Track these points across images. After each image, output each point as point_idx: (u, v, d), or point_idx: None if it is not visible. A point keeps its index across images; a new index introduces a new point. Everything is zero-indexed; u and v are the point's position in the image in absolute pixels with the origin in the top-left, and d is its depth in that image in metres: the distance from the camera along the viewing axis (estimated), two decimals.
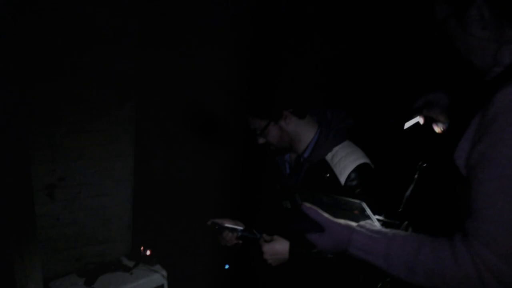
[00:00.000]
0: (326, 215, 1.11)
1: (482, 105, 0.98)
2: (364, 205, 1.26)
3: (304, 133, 1.70)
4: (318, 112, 1.74)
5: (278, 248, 1.61)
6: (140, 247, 2.33)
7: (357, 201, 1.27)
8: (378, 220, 1.22)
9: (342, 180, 1.59)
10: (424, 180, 1.20)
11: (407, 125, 1.43)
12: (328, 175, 1.62)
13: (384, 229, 1.10)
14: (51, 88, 2.17)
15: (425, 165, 1.21)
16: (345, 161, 1.62)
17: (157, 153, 2.65)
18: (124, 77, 2.42)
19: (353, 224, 1.11)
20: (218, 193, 2.61)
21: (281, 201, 1.21)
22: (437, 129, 1.38)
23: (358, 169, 1.59)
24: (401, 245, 1.03)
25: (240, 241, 1.69)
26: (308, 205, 1.12)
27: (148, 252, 2.28)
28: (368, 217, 1.21)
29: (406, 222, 1.22)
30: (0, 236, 1.47)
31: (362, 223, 1.11)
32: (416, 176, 1.25)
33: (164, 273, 2.24)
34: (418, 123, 1.43)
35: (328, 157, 1.66)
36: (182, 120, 2.70)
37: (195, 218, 2.75)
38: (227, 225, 1.65)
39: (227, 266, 2.24)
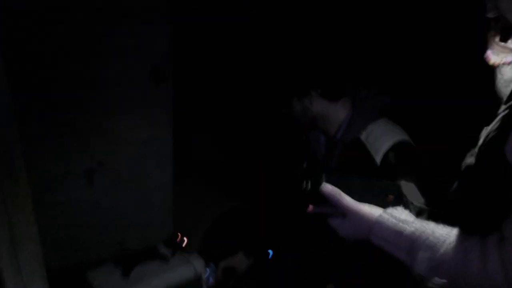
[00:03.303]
0: (348, 199, 1.02)
1: None
2: (405, 190, 1.15)
3: (335, 114, 1.57)
4: (352, 89, 1.59)
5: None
6: (178, 235, 2.27)
7: (396, 185, 1.14)
8: (416, 207, 1.12)
9: (378, 160, 1.45)
10: (472, 175, 1.03)
11: None
12: (363, 156, 1.48)
13: (412, 220, 0.96)
14: (81, 70, 2.10)
15: (472, 159, 1.03)
16: (381, 139, 1.47)
17: (197, 134, 2.55)
18: (159, 57, 2.31)
19: (378, 211, 1.00)
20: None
21: (303, 181, 1.13)
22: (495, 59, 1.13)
23: (396, 147, 1.44)
24: (427, 241, 0.91)
25: None
26: (329, 187, 1.03)
27: (185, 240, 2.21)
28: (405, 204, 1.09)
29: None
30: None
31: (389, 210, 1.00)
32: (462, 168, 1.08)
33: (202, 262, 2.15)
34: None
35: (363, 136, 1.51)
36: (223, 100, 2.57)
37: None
38: None
39: (271, 253, 2.16)
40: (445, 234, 0.90)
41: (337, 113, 1.58)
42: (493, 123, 0.99)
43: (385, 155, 1.43)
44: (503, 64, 1.10)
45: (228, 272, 2.07)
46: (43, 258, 1.29)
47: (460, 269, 0.86)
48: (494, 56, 1.14)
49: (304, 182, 1.12)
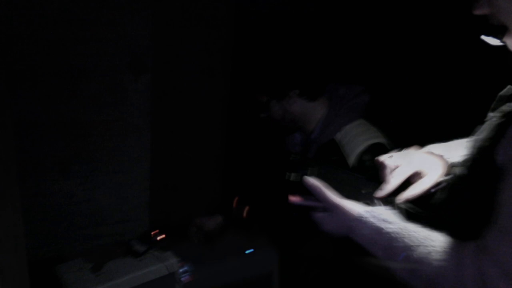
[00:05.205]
0: (330, 193, 0.99)
1: None
2: None
3: (312, 112, 1.52)
4: (330, 87, 1.54)
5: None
6: (152, 231, 2.21)
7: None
8: (412, 208, 1.09)
9: (350, 162, 1.41)
10: (460, 181, 1.00)
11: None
12: (335, 157, 1.44)
13: (392, 220, 0.94)
14: (57, 59, 2.02)
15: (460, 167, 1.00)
16: (355, 141, 1.43)
17: (175, 128, 2.49)
18: (139, 47, 2.24)
19: (360, 208, 0.98)
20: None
21: (287, 172, 1.11)
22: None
23: (370, 150, 1.40)
24: (404, 242, 0.89)
25: None
26: (312, 180, 1.00)
27: (159, 237, 2.16)
28: (391, 204, 1.06)
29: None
30: None
31: (370, 209, 0.97)
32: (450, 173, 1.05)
33: (175, 260, 2.10)
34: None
35: (338, 137, 1.47)
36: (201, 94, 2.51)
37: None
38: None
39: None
40: (422, 238, 0.86)
41: (314, 111, 1.54)
42: (482, 131, 0.95)
43: (359, 157, 1.40)
44: None
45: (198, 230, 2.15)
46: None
47: (434, 276, 0.82)
48: None
49: (287, 173, 1.09)
